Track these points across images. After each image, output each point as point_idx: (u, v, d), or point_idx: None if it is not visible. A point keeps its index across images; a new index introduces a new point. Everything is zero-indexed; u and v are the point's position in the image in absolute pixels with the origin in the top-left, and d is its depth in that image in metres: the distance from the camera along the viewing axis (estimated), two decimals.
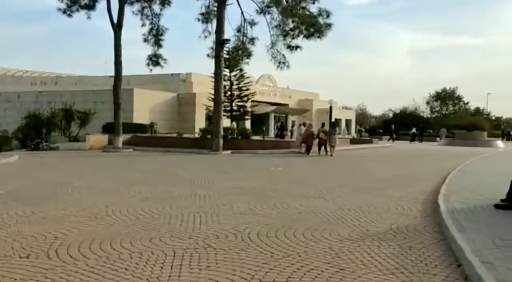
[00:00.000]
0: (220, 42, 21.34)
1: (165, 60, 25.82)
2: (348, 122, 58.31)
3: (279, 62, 21.72)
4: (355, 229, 5.89)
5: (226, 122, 31.94)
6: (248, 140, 23.35)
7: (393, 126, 44.27)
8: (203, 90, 32.30)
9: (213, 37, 22.56)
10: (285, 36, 20.77)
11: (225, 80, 32.59)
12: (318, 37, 19.42)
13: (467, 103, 68.65)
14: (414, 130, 42.05)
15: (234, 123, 28.59)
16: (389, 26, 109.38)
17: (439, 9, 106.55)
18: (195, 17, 25.07)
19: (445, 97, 67.33)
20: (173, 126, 33.52)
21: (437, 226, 6.07)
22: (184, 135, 29.73)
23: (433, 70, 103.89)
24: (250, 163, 16.20)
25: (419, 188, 9.92)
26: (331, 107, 33.68)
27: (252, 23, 24.32)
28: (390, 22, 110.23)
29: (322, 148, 20.84)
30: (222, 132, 21.66)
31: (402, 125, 57.17)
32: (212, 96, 27.20)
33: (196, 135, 25.64)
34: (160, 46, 25.55)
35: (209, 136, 23.15)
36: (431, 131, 49.45)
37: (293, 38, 20.51)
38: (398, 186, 10.18)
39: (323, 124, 21.92)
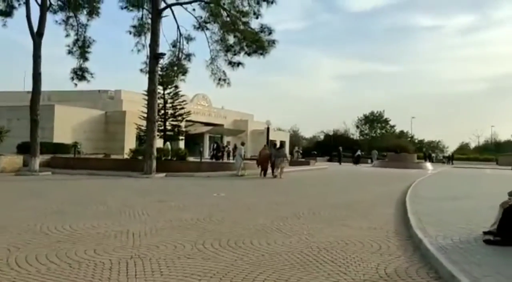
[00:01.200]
0: (154, 56, 19.74)
1: (91, 74, 23.73)
2: (282, 143, 58.22)
3: (219, 79, 20.52)
4: (337, 277, 4.67)
5: (159, 142, 30.06)
6: (183, 162, 21.71)
7: (340, 148, 44.30)
8: (134, 109, 30.22)
9: (147, 51, 20.96)
10: (226, 51, 19.66)
11: (158, 98, 30.83)
12: (261, 54, 18.51)
13: (394, 126, 71.86)
14: (359, 152, 42.71)
15: (168, 144, 26.76)
16: (315, 52, 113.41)
17: (361, 38, 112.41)
18: (126, 30, 23.47)
19: (373, 120, 69.96)
20: (100, 147, 30.93)
21: (430, 268, 5.03)
22: (112, 156, 27.37)
23: (358, 95, 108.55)
24: (189, 188, 14.62)
25: (381, 216, 9.01)
26: (268, 128, 32.97)
27: (189, 39, 23.03)
28: (315, 48, 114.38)
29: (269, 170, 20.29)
30: (155, 153, 19.87)
31: (334, 147, 58.22)
32: (144, 115, 25.34)
33: (126, 156, 23.48)
34: (86, 59, 23.43)
35: (140, 157, 21.23)
36: (362, 153, 50.69)
37: (235, 54, 19.45)
38: (357, 214, 9.20)
39: (264, 146, 21.11)
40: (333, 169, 31.77)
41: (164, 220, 8.08)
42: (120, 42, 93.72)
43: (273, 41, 18.37)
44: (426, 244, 5.81)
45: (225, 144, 43.22)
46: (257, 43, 18.02)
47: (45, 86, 21.56)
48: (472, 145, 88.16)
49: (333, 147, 54.68)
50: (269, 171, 20.51)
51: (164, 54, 20.03)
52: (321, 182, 19.21)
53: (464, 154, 69.29)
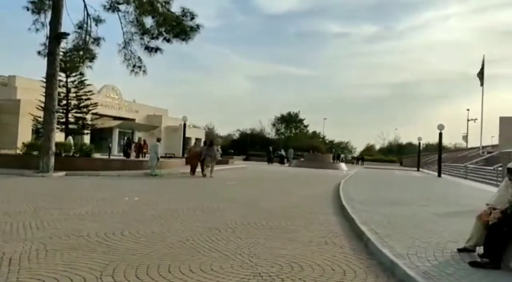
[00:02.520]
0: (56, 36, 16.96)
1: None
2: (197, 141, 56.32)
3: (134, 66, 18.24)
4: None
5: (60, 136, 26.72)
6: (88, 159, 19.07)
7: (270, 148, 43.17)
8: (31, 97, 26.48)
9: (46, 30, 18.03)
10: (142, 35, 17.46)
11: (60, 86, 27.42)
12: (183, 39, 16.62)
13: (307, 126, 73.32)
14: (283, 152, 42.05)
15: (70, 138, 23.68)
16: (229, 51, 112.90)
17: (274, 40, 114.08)
18: (23, 5, 20.23)
19: (289, 120, 70.72)
20: None
21: None
22: (2, 151, 23.62)
23: (272, 96, 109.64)
24: (93, 191, 12.41)
25: (326, 225, 7.84)
26: (184, 124, 30.99)
27: (98, 20, 20.41)
28: (229, 48, 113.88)
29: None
30: (54, 148, 17.09)
31: (250, 146, 57.64)
32: (43, 104, 22.11)
33: (19, 151, 20.17)
34: None
35: (36, 153, 18.25)
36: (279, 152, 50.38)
37: (152, 38, 17.32)
38: (299, 223, 7.94)
39: (195, 143, 19.86)
40: (252, 168, 30.74)
41: (61, 234, 6.12)
42: (17, 21, 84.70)
43: (198, 26, 16.58)
44: (404, 268, 4.63)
45: (136, 139, 40.18)
46: (178, 27, 16.13)
47: None
48: (377, 147, 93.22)
49: (250, 145, 54.03)
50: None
51: (68, 34, 17.28)
52: (246, 182, 17.89)
53: (371, 155, 72.75)
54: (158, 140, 19.21)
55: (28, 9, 20.20)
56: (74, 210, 8.39)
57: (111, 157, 20.04)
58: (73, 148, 19.49)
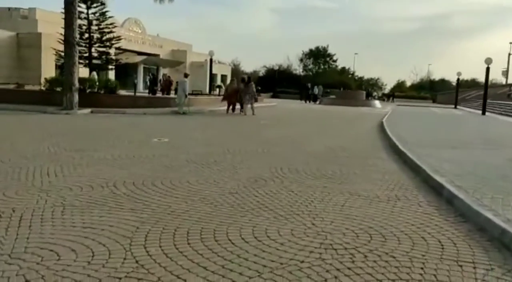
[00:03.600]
0: None
1: None
2: (223, 77, 54.79)
3: None
4: None
5: (84, 72, 25.81)
6: (114, 96, 18.14)
7: (309, 85, 40.69)
8: (53, 31, 25.31)
9: None
10: None
11: (81, 18, 26.05)
12: None
13: (336, 61, 70.31)
14: (316, 89, 39.81)
15: (95, 73, 22.71)
16: None
17: None
18: None
19: (318, 55, 67.82)
20: (12, 75, 26.07)
21: None
22: (26, 87, 22.98)
23: (297, 30, 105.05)
24: (120, 130, 11.51)
25: (391, 176, 6.69)
26: (211, 60, 29.47)
27: None
28: None
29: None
30: (77, 84, 16.14)
31: (278, 82, 55.84)
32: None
33: (42, 87, 19.37)
34: None
35: (59, 89, 17.38)
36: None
37: None
38: (356, 171, 6.81)
39: (232, 80, 20.07)
40: (283, 107, 29.47)
41: (80, 184, 5.19)
42: None
43: None
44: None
45: (161, 76, 38.90)
46: None
47: None
48: (408, 83, 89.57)
49: (278, 82, 52.27)
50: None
51: None
52: (280, 122, 16.75)
53: (402, 92, 69.93)
54: (186, 76, 17.98)
55: None
56: (99, 153, 7.47)
57: (137, 94, 18.98)
58: (97, 83, 18.50)
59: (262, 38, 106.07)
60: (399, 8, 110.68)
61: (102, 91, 18.17)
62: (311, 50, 67.44)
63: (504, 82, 57.25)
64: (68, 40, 15.84)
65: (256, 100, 20.27)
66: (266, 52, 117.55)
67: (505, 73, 59.19)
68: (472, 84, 68.11)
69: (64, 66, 16.18)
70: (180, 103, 17.28)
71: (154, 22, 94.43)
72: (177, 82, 18.93)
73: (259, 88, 46.76)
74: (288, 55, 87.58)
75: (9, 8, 29.88)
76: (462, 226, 4.22)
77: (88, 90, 18.01)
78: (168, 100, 18.89)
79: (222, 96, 20.84)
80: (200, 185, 5.45)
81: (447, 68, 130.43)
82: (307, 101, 37.17)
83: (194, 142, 9.59)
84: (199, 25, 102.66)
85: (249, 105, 18.59)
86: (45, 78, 19.07)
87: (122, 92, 19.84)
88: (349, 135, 12.45)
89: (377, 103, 35.87)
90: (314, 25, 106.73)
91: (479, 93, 39.04)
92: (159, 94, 25.44)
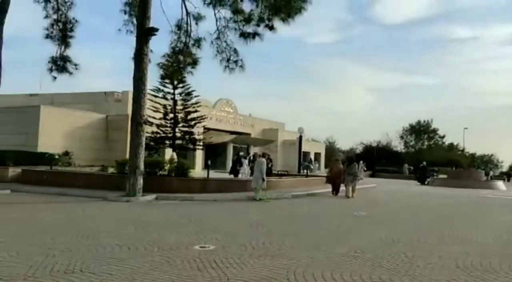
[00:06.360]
0: (143, 32, 14.35)
1: (75, 65, 18.57)
2: (317, 155, 51.98)
3: (227, 60, 14.86)
4: None
5: (169, 153, 24.80)
6: (184, 179, 16.04)
7: (424, 163, 34.84)
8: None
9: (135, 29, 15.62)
10: (238, 21, 13.99)
11: (166, 98, 25.67)
12: (287, 17, 12.38)
13: (443, 137, 64.08)
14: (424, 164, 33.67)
15: (175, 154, 21.29)
16: (347, 64, 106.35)
17: (395, 50, 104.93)
18: (120, 9, 18.50)
19: (420, 130, 62.53)
20: (100, 158, 25.81)
21: None
22: (111, 169, 22.17)
23: (396, 108, 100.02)
24: (183, 227, 8.94)
25: None
26: (300, 137, 27.07)
27: (198, 18, 17.65)
28: (348, 60, 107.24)
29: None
30: (142, 167, 14.34)
31: (376, 160, 51.55)
32: (153, 117, 20.25)
33: (114, 170, 18.09)
34: (67, 44, 18.32)
35: None
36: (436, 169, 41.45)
37: (248, 22, 13.62)
38: None
39: (336, 159, 19.35)
40: (384, 189, 25.39)
41: None
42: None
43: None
44: None
45: (252, 154, 36.83)
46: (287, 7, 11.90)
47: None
48: None
49: (376, 159, 47.98)
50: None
51: (156, 29, 14.48)
52: (383, 214, 13.13)
53: None
54: (264, 155, 15.40)
55: (125, 13, 18.39)
56: (126, 269, 4.75)
57: (210, 176, 16.73)
58: (169, 165, 16.69)
59: (358, 116, 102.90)
60: (505, 82, 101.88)
61: (173, 174, 16.23)
62: (411, 126, 62.45)
63: None
64: (134, 118, 14.39)
65: (360, 179, 19.01)
66: (363, 130, 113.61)
67: None
68: None
69: (130, 147, 14.60)
70: (257, 187, 14.55)
71: (244, 101, 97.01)
72: (253, 160, 16.45)
73: (365, 169, 40.89)
74: (387, 132, 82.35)
75: (105, 92, 30.91)
76: None
77: (159, 173, 16.22)
78: (245, 184, 16.30)
79: (326, 178, 19.47)
80: None
81: None
82: (423, 183, 30.99)
83: (247, 251, 6.52)
84: (293, 104, 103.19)
85: (350, 187, 17.35)
86: (116, 161, 17.82)
87: (210, 172, 17.53)
88: (495, 244, 8.42)
89: (500, 184, 29.90)
90: (414, 101, 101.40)
91: None
92: (242, 176, 23.15)
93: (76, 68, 18.72)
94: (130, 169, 14.15)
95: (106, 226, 8.69)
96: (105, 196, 13.90)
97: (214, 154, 39.34)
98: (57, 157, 20.93)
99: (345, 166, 18.18)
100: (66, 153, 24.07)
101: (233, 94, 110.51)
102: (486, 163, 73.16)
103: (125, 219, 9.76)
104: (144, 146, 14.66)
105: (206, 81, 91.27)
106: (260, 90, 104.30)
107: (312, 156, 49.65)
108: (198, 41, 17.88)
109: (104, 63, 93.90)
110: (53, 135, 23.59)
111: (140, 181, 14.11)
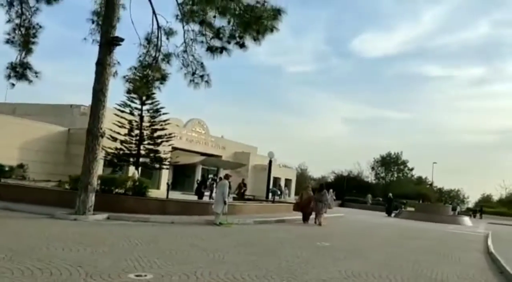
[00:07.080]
0: (107, 41, 13.61)
1: (36, 73, 17.50)
2: (288, 182, 51.43)
3: (193, 74, 14.23)
4: None
5: (132, 170, 23.78)
6: (142, 199, 15.07)
7: (390, 195, 34.09)
8: (108, 127, 23.98)
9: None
10: (206, 35, 13.43)
11: (133, 114, 24.75)
12: (257, 34, 11.89)
13: (412, 169, 64.77)
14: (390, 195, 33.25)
15: (136, 172, 20.28)
16: (323, 94, 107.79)
17: (372, 83, 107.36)
18: (87, 18, 17.74)
19: (390, 162, 63.07)
20: (58, 172, 24.51)
21: None
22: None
23: (369, 139, 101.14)
24: (114, 252, 8.02)
25: None
26: (270, 161, 26.44)
27: (169, 33, 17.02)
28: (324, 90, 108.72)
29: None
30: (95, 183, 13.37)
31: (347, 190, 51.42)
32: (115, 134, 19.30)
33: (66, 186, 16.95)
34: (29, 50, 17.32)
35: None
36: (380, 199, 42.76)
37: (218, 37, 13.09)
38: None
39: (307, 186, 19.25)
40: (351, 219, 24.90)
41: None
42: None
43: (279, 11, 11.65)
44: None
45: (214, 176, 35.59)
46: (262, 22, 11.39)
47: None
48: (495, 197, 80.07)
49: (346, 189, 47.85)
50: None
51: (122, 39, 13.79)
52: (348, 245, 12.50)
53: (491, 207, 61.59)
54: (227, 177, 14.62)
55: (93, 22, 17.61)
56: None
57: (169, 197, 15.83)
58: (127, 183, 15.70)
59: (332, 145, 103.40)
60: (478, 120, 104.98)
61: (131, 193, 15.25)
62: (382, 157, 62.91)
63: None
64: (91, 131, 13.49)
65: (329, 208, 19.62)
66: (335, 159, 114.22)
67: None
68: None
69: (83, 161, 13.60)
70: (217, 212, 13.73)
71: (217, 124, 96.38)
72: (213, 183, 15.65)
73: (334, 198, 39.98)
74: (359, 161, 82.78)
75: (71, 105, 29.77)
76: None
77: (114, 191, 15.21)
78: (207, 207, 15.44)
79: (294, 205, 19.22)
80: None
81: None
82: (389, 215, 30.65)
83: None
84: (267, 130, 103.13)
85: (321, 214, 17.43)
86: (69, 176, 16.72)
87: (176, 193, 16.59)
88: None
89: (466, 220, 29.82)
90: (387, 134, 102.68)
91: None
92: (206, 198, 22.26)
93: (37, 76, 17.57)
94: (81, 185, 13.12)
95: (37, 246, 7.71)
96: (53, 213, 12.79)
97: (183, 174, 38.32)
98: (7, 169, 19.56)
99: (316, 193, 18.11)
100: (21, 166, 22.74)
101: (207, 116, 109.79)
102: (453, 197, 74.12)
103: (63, 239, 8.76)
104: (98, 161, 13.71)
105: (182, 101, 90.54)
106: (236, 114, 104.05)
107: (282, 182, 49.06)
108: (167, 56, 17.16)
109: (80, 79, 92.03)
110: (8, 146, 22.25)
111: (92, 198, 13.09)
